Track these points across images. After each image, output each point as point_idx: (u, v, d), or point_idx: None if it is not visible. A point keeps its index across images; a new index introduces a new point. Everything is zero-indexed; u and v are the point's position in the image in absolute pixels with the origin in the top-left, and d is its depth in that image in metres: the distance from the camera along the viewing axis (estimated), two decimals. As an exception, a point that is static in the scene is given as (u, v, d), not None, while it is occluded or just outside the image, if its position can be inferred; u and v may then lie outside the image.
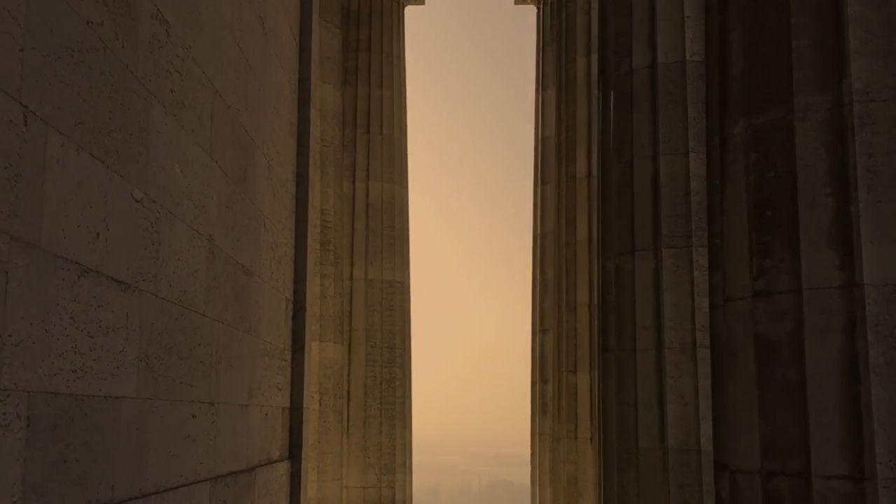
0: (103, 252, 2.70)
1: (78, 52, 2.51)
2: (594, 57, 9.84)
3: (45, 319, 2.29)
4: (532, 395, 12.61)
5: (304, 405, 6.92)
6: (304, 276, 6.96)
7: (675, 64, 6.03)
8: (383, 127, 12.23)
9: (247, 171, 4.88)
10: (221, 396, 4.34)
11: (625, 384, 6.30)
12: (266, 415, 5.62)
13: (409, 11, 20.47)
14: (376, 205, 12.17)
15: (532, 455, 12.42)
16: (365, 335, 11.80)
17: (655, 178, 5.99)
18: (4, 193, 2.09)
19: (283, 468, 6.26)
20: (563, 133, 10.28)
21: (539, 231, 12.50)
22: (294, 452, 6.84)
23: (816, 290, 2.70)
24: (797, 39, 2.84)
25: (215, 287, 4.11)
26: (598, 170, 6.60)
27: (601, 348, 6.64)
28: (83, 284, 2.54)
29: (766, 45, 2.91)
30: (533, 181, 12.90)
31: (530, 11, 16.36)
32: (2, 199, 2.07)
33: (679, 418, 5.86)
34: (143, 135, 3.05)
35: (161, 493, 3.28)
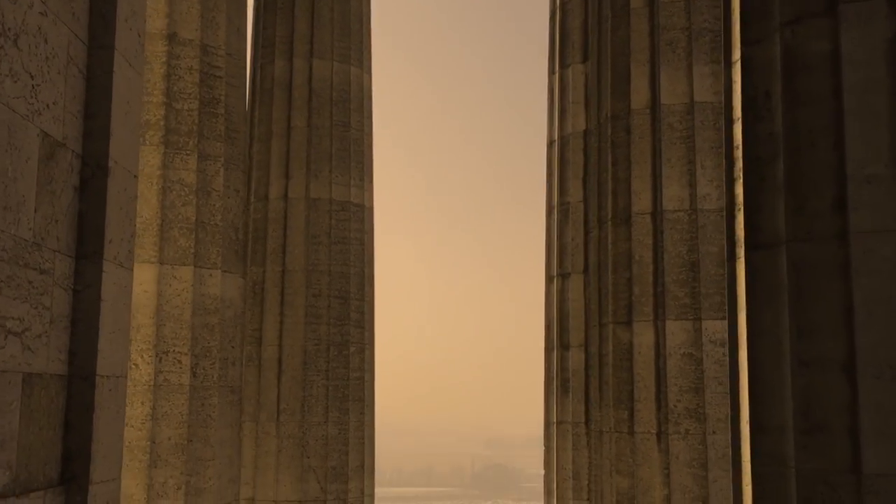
0: None
1: None
2: None
3: None
4: (546, 367, 8.93)
5: (109, 372, 3.32)
6: (108, 113, 3.35)
7: None
8: (334, -19, 8.48)
9: None
10: None
11: (814, 314, 2.71)
12: None
13: None
14: (323, 93, 8.43)
15: (547, 457, 8.75)
16: (305, 278, 8.10)
17: None
18: None
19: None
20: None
21: (558, 129, 8.77)
22: (75, 469, 3.23)
23: None
24: None
25: None
26: None
27: (747, 244, 3.01)
28: None
29: None
30: (548, 63, 9.18)
31: None
32: None
33: None
34: None
35: None
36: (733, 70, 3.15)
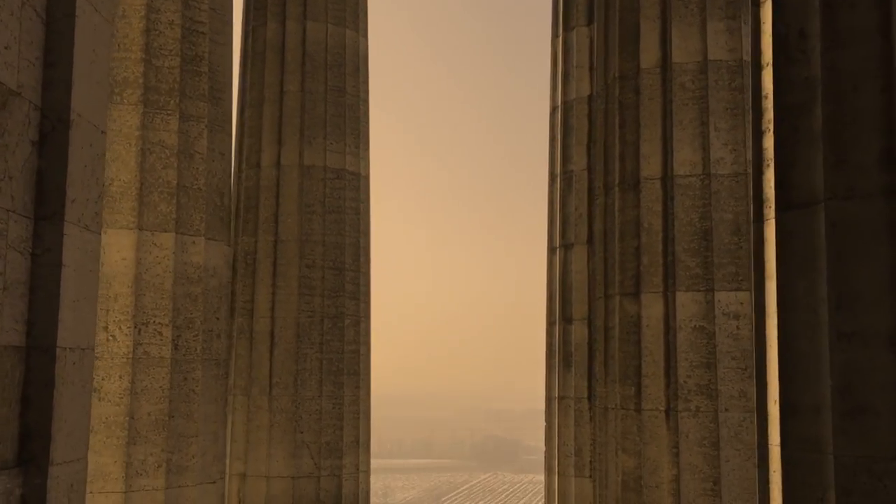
0: None
1: None
2: None
3: None
4: (548, 341, 8.66)
5: (72, 344, 3.04)
6: (70, 61, 3.09)
7: None
8: (328, -63, 8.09)
9: None
10: None
11: (856, 281, 2.41)
12: None
13: None
14: (317, 56, 8.08)
15: (548, 433, 8.49)
16: (298, 248, 7.80)
17: None
18: None
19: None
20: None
21: (561, 95, 8.43)
22: (33, 449, 2.98)
23: None
24: None
25: None
26: None
27: (778, 203, 2.72)
28: None
29: None
30: (551, 26, 8.82)
31: None
32: None
33: None
34: None
35: None
36: (762, 9, 2.82)
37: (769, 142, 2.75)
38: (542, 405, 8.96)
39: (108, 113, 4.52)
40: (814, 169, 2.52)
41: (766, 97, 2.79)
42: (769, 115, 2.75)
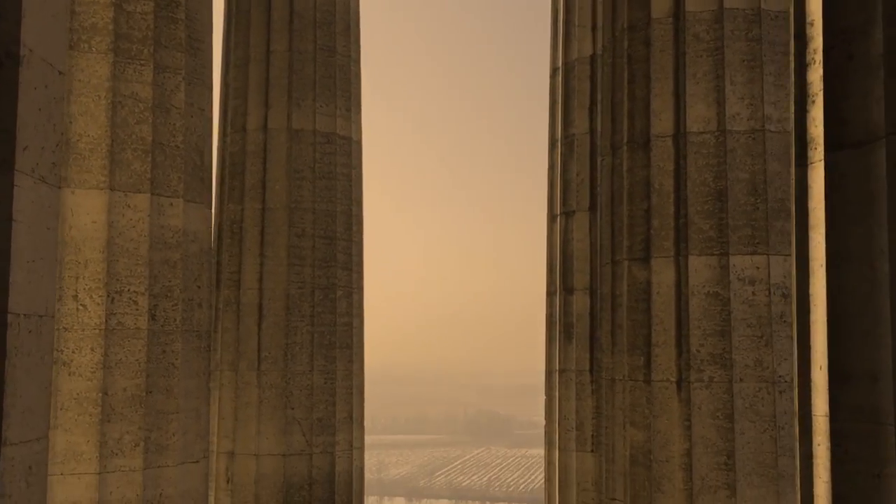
0: None
1: None
2: None
3: None
4: (548, 313, 8.36)
5: (28, 310, 2.74)
6: None
7: None
8: None
9: None
10: None
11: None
12: None
13: None
14: (306, 14, 7.69)
15: (548, 407, 8.20)
16: (287, 216, 7.45)
17: None
18: None
19: None
20: None
21: (562, 55, 8.05)
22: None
23: None
24: None
25: None
26: None
27: (827, 142, 2.38)
28: None
29: None
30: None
31: None
32: None
33: None
34: None
35: None
36: (808, -77, 2.48)
37: (815, 74, 2.42)
38: (536, 380, 8.71)
39: (74, 62, 4.16)
40: (872, 101, 2.19)
41: (811, 23, 2.46)
42: (815, 42, 2.42)
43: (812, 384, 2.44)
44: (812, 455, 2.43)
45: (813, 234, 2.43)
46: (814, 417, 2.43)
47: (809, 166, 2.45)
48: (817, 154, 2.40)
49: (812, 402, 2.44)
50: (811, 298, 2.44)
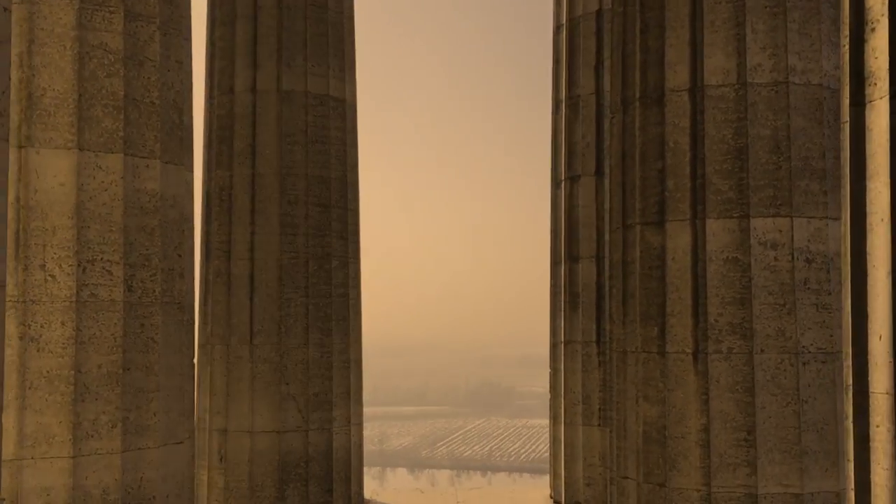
0: None
1: None
2: None
3: None
4: (553, 283, 8.04)
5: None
6: None
7: None
8: None
9: None
10: None
11: None
12: None
13: None
14: (296, -31, 7.28)
15: (553, 379, 7.91)
16: (278, 183, 7.11)
17: None
18: None
19: None
20: None
21: (566, 11, 7.66)
22: None
23: None
24: None
25: None
26: None
27: (893, 77, 2.01)
28: None
29: None
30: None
31: None
32: None
33: None
34: None
35: None
36: None
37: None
38: (537, 350, 8.47)
39: (35, 8, 3.80)
40: (950, 22, 1.85)
41: (871, -63, 2.10)
42: (877, -41, 2.07)
43: (869, 356, 2.12)
44: (869, 438, 2.11)
45: (872, 184, 2.09)
46: (871, 395, 2.11)
47: (868, 105, 2.10)
48: (878, 90, 2.06)
49: (869, 376, 2.12)
50: (868, 258, 2.11)
